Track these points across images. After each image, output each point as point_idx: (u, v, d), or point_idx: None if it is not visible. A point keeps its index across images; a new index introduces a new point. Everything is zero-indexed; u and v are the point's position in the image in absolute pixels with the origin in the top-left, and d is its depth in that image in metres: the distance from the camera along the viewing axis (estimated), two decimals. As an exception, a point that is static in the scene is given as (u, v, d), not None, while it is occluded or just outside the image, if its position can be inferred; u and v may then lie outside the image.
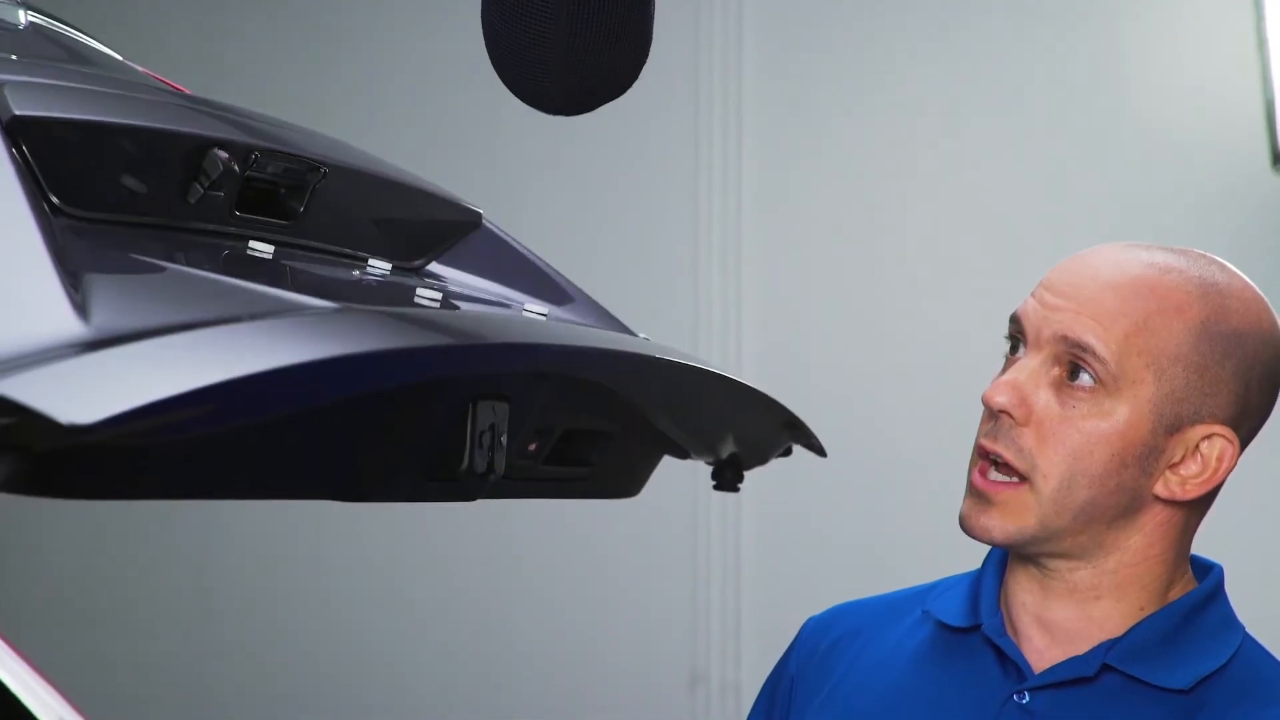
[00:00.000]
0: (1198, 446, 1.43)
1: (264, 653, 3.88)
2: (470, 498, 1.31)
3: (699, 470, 3.50)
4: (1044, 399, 1.42)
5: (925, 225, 3.39)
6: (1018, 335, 1.46)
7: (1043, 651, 1.47)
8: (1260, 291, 1.47)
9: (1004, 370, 1.46)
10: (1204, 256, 1.47)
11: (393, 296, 1.27)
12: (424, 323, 1.10)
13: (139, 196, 1.14)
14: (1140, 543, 1.46)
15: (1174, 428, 1.42)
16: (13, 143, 1.02)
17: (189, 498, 1.10)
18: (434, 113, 3.71)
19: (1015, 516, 1.42)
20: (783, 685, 1.63)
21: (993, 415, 1.44)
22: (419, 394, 1.17)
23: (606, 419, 1.45)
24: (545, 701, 3.60)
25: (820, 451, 1.69)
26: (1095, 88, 3.26)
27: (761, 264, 3.49)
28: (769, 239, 3.50)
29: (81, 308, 0.90)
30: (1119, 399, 1.41)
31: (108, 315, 0.91)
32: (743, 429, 1.58)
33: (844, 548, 3.42)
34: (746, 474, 1.64)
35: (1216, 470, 1.43)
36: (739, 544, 3.50)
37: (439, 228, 1.45)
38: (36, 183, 1.04)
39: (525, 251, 1.55)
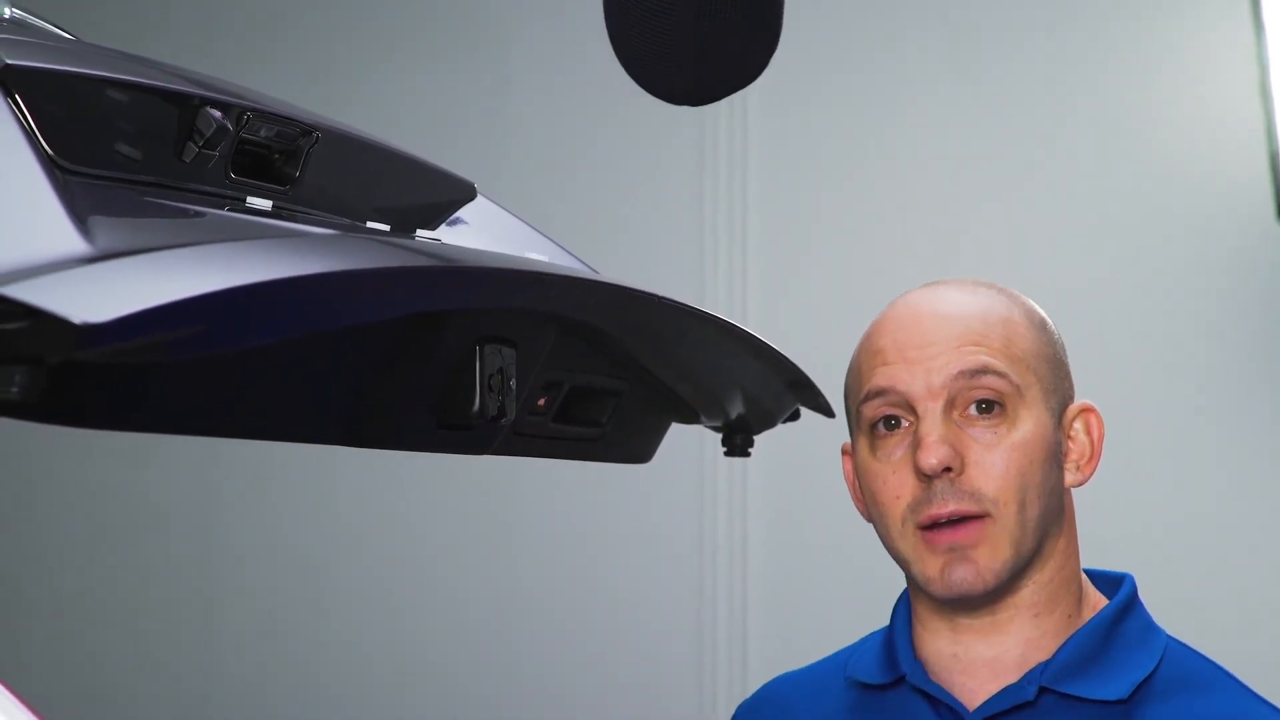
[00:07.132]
0: (1074, 428, 1.49)
1: (262, 658, 3.84)
2: (483, 449, 1.30)
3: (704, 481, 3.49)
4: (968, 437, 1.43)
5: (928, 257, 3.37)
6: (892, 410, 1.46)
7: (972, 689, 1.47)
8: None
9: (889, 450, 1.45)
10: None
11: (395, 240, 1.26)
12: (431, 252, 1.09)
13: (134, 154, 1.13)
14: (1064, 544, 1.48)
15: (1058, 417, 1.47)
16: (6, 92, 1.01)
17: (195, 432, 1.09)
18: (432, 109, 3.69)
19: (992, 553, 1.42)
20: None
21: (925, 483, 1.42)
22: (424, 332, 1.16)
23: (614, 375, 1.44)
24: (547, 711, 3.57)
25: (828, 412, 1.68)
26: (1098, 141, 3.24)
27: (766, 275, 3.48)
28: (773, 246, 3.49)
29: (86, 231, 0.89)
30: (1022, 407, 1.45)
31: (113, 238, 0.90)
32: (750, 385, 1.57)
33: (848, 557, 3.40)
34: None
35: (1098, 442, 1.49)
36: (745, 554, 3.48)
37: (434, 198, 1.44)
38: (32, 134, 1.03)
39: (523, 221, 1.54)
